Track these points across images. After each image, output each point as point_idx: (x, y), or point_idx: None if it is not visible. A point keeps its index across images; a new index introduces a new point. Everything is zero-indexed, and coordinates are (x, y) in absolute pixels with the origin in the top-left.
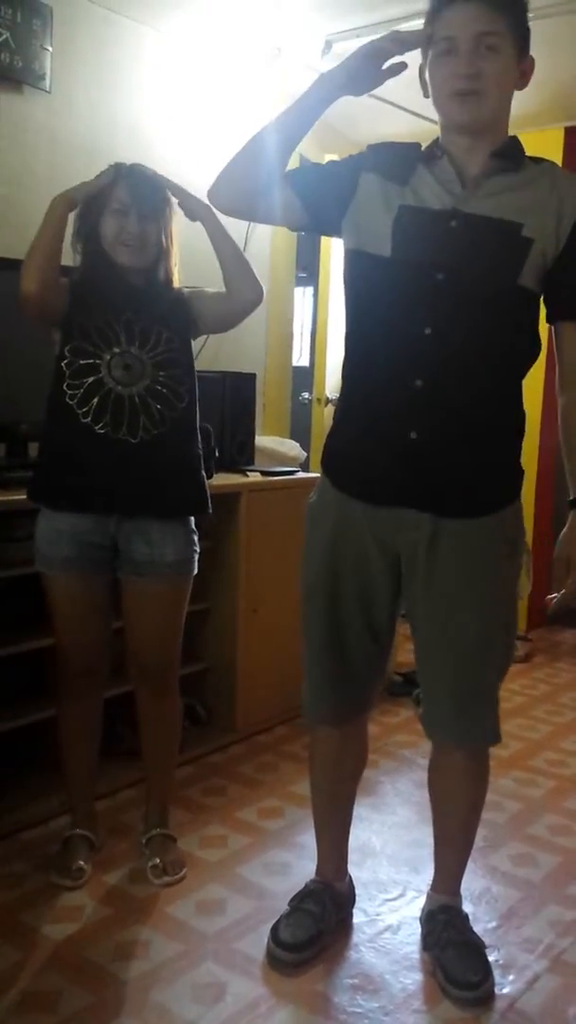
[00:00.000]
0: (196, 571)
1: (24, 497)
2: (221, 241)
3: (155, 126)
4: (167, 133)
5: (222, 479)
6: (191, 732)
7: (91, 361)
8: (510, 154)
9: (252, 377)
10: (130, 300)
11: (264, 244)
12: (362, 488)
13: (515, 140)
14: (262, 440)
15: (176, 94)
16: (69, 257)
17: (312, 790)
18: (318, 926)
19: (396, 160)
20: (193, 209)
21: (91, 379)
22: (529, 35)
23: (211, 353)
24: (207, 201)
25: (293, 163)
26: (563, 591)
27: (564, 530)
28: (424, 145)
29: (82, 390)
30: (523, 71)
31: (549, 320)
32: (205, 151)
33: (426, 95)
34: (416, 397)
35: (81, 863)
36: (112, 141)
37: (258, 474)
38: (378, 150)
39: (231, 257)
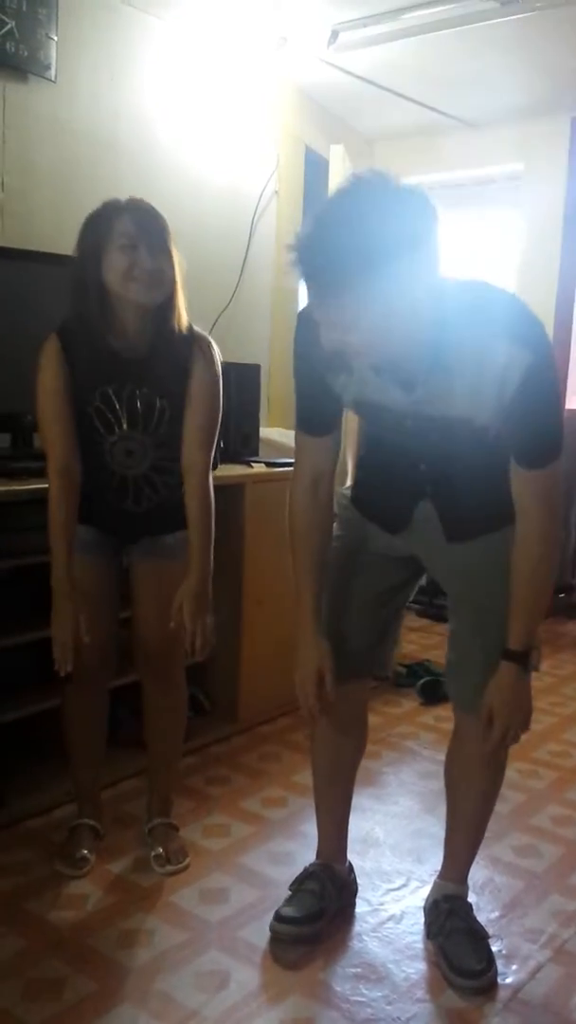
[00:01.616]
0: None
1: (29, 487)
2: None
3: (160, 115)
4: (172, 122)
5: (226, 471)
6: (194, 722)
7: (94, 447)
8: (442, 359)
9: (257, 368)
10: (131, 371)
11: (269, 235)
12: (386, 527)
13: (447, 331)
14: (267, 432)
15: (181, 84)
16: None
17: (313, 768)
18: (320, 903)
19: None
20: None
21: (94, 461)
22: (401, 278)
23: (216, 344)
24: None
25: (296, 154)
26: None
27: (493, 680)
28: None
29: (85, 467)
30: (411, 302)
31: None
32: (210, 141)
33: None
34: (424, 472)
35: (85, 852)
36: (117, 130)
37: (263, 465)
38: (315, 353)
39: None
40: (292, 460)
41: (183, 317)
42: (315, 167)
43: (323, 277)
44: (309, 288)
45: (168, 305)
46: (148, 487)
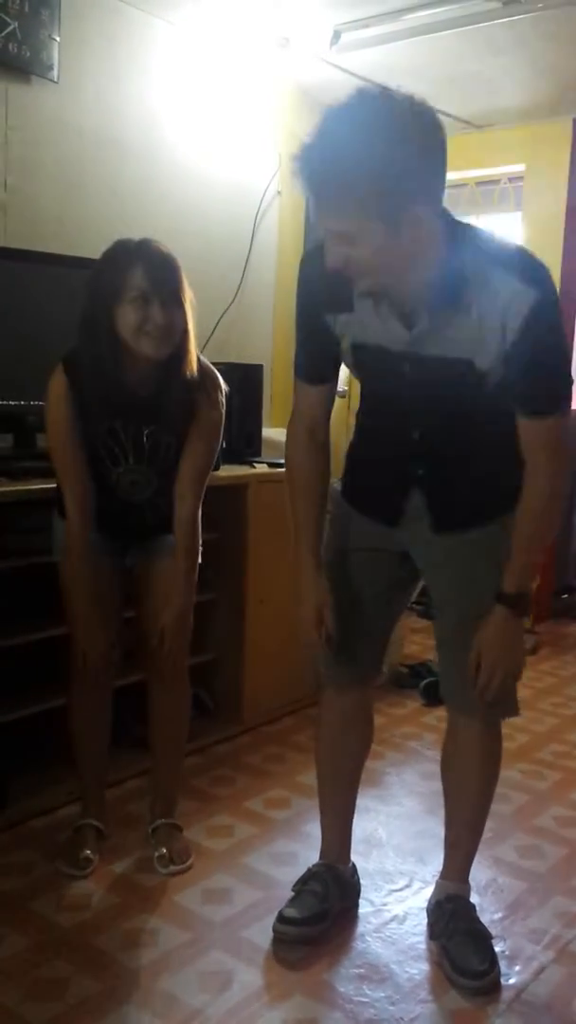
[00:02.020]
0: (200, 559)
1: (32, 487)
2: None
3: (163, 116)
4: (175, 123)
5: (229, 471)
6: (198, 722)
7: (100, 478)
8: (447, 292)
9: (259, 368)
10: (139, 411)
11: (271, 234)
12: (377, 516)
13: (451, 264)
14: (269, 431)
15: (184, 84)
16: (76, 249)
17: (317, 768)
18: (323, 905)
19: (333, 287)
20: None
21: (101, 486)
22: (400, 197)
23: (219, 344)
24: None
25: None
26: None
27: (483, 623)
28: None
29: (92, 493)
30: (411, 226)
31: (519, 414)
32: (213, 141)
33: None
34: (416, 444)
35: (89, 852)
36: (120, 131)
37: (265, 465)
38: (315, 289)
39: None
40: None
41: (193, 363)
42: None
43: (327, 187)
44: (313, 199)
45: (178, 354)
46: (151, 510)
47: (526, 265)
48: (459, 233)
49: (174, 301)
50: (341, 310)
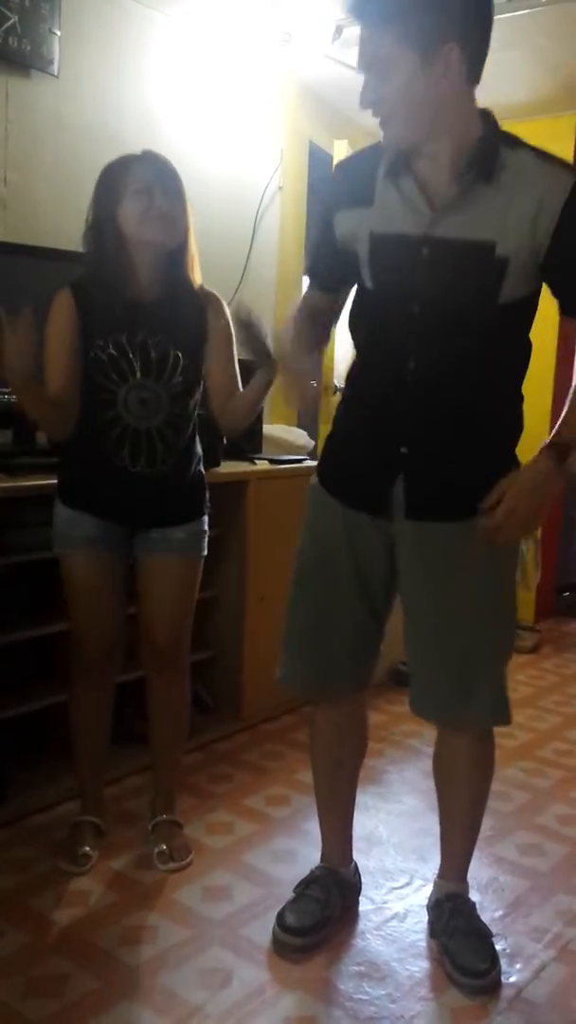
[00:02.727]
0: (205, 552)
1: (31, 483)
2: (256, 396)
3: (163, 111)
4: (175, 118)
5: (229, 467)
6: (197, 719)
7: (107, 396)
8: (480, 163)
9: None
10: (144, 318)
11: (273, 230)
12: (354, 501)
13: (486, 140)
14: (270, 428)
15: (184, 79)
16: (75, 244)
17: (313, 774)
18: (323, 912)
19: (357, 181)
20: (259, 354)
21: (108, 414)
22: (436, 28)
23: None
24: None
25: (299, 150)
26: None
27: (520, 470)
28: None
29: (99, 422)
30: (443, 64)
31: (564, 313)
32: (213, 136)
33: None
34: (405, 417)
35: (87, 849)
36: (120, 126)
37: (266, 462)
38: (340, 174)
39: (251, 407)
40: (296, 457)
41: (196, 269)
42: (319, 162)
43: (371, 8)
44: (356, 15)
45: (181, 252)
46: (162, 444)
47: (564, 161)
48: (496, 123)
49: (176, 192)
50: (364, 203)
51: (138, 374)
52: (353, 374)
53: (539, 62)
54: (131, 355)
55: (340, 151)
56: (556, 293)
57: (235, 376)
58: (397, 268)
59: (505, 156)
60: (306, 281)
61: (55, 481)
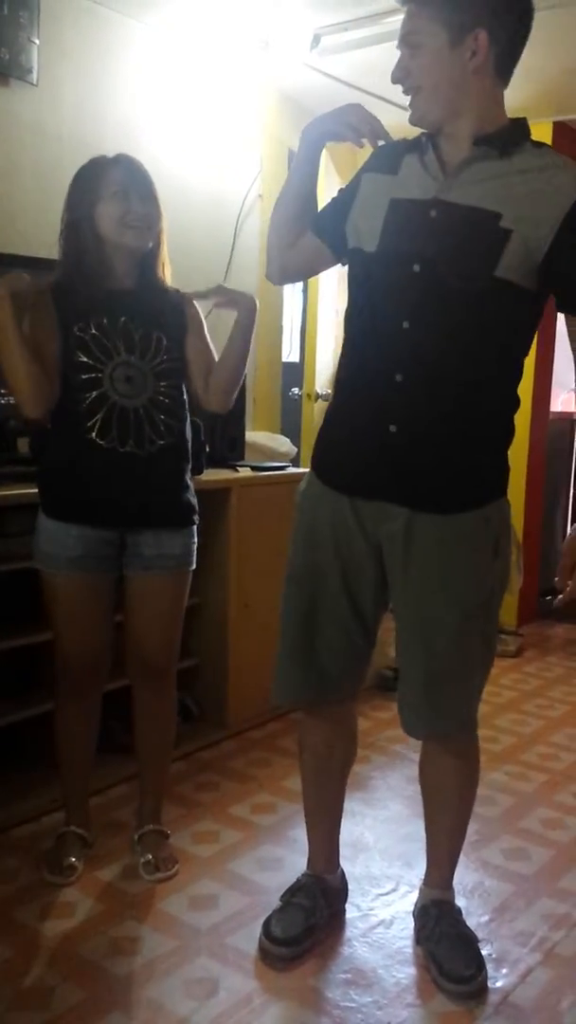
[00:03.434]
0: (194, 566)
1: (14, 493)
2: (241, 340)
3: (143, 119)
4: (155, 126)
5: (212, 475)
6: (183, 728)
7: (93, 375)
8: (498, 140)
9: None
10: (124, 303)
11: (253, 238)
12: (342, 480)
13: (513, 126)
14: (252, 435)
15: (164, 87)
16: (55, 252)
17: (302, 784)
18: (309, 920)
19: (390, 154)
20: (236, 300)
21: (94, 393)
22: (469, 12)
23: None
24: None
25: (279, 158)
26: (570, 584)
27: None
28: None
29: (86, 404)
30: (471, 49)
31: (561, 309)
32: (193, 144)
33: None
34: (396, 391)
35: (73, 860)
36: (100, 135)
37: (248, 469)
38: (380, 149)
39: (236, 357)
40: (279, 464)
41: (167, 268)
42: None
43: None
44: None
45: (155, 252)
46: (149, 425)
47: None
48: (527, 126)
49: (150, 196)
50: (388, 171)
51: (122, 352)
52: (346, 355)
53: (517, 69)
54: (113, 334)
55: (322, 161)
56: (557, 285)
57: (212, 352)
58: (405, 229)
59: (526, 147)
60: (299, 304)
61: (37, 490)
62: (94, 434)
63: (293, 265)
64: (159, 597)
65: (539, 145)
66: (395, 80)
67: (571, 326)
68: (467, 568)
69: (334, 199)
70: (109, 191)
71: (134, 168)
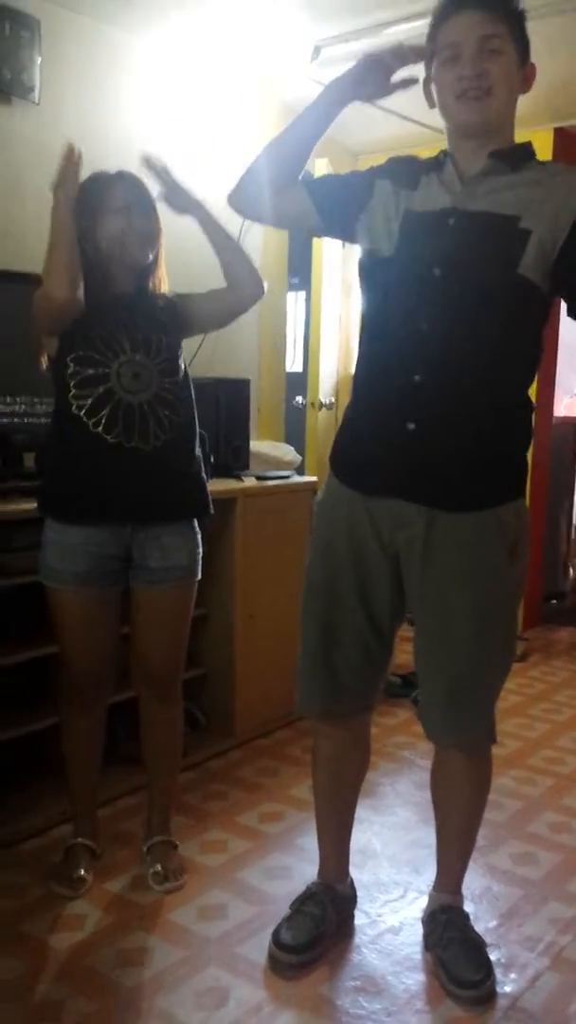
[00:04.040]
0: (199, 576)
1: (21, 507)
2: (217, 233)
3: (145, 135)
4: (157, 142)
5: (217, 484)
6: (190, 738)
7: (100, 371)
8: (510, 156)
9: (246, 383)
10: (127, 308)
11: (255, 250)
12: (359, 478)
13: (524, 145)
14: (257, 445)
15: (165, 103)
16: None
17: (314, 792)
18: (319, 928)
19: (408, 169)
20: (185, 204)
21: (101, 388)
22: (529, 44)
23: (205, 359)
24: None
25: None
26: None
27: None
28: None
29: (91, 400)
30: (525, 76)
31: (571, 314)
32: (195, 159)
33: (431, 106)
34: (415, 391)
35: (82, 872)
36: (102, 152)
37: (253, 479)
38: (395, 160)
39: (230, 249)
40: (283, 473)
41: (165, 283)
42: None
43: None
44: (470, 9)
45: (153, 265)
46: (153, 419)
47: None
48: (531, 145)
49: (150, 211)
50: (407, 187)
51: (128, 350)
52: (363, 356)
53: None
54: (118, 335)
55: (321, 170)
56: (567, 288)
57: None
58: (423, 237)
59: (533, 163)
60: (301, 314)
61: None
62: (101, 429)
63: (284, 213)
64: (165, 609)
65: (544, 162)
66: (470, 75)
67: None
68: (486, 570)
69: (344, 184)
70: (111, 207)
71: (136, 185)
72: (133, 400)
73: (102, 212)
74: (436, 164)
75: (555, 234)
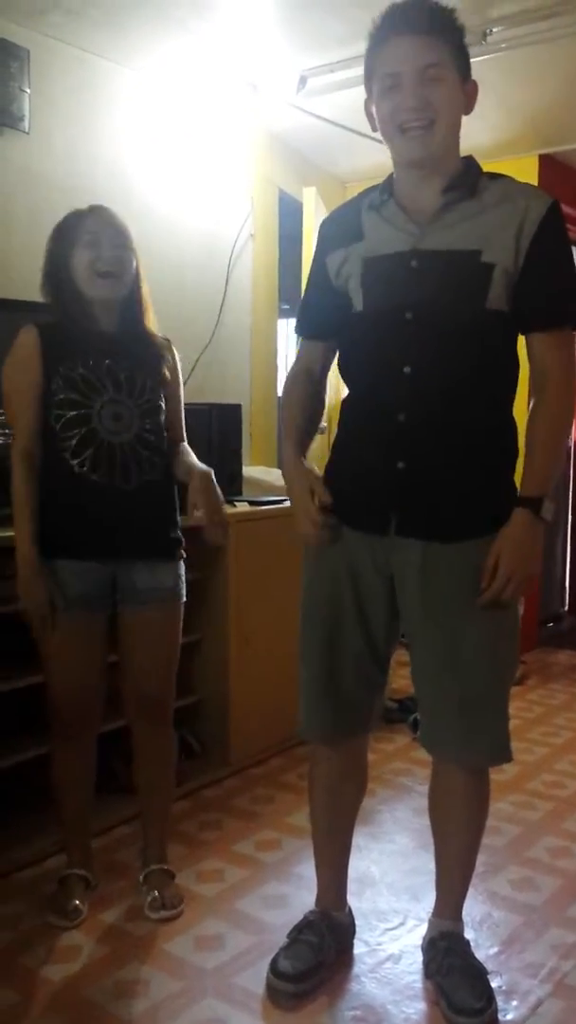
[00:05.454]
0: (185, 598)
1: (9, 535)
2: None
3: (134, 165)
4: (146, 172)
5: None
6: (185, 765)
7: (82, 412)
8: (462, 183)
9: (238, 408)
10: (107, 349)
11: (246, 277)
12: (352, 519)
13: (468, 163)
14: (249, 470)
15: (154, 133)
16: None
17: (311, 818)
18: (317, 957)
19: (344, 223)
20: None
21: (84, 429)
22: (469, 59)
23: (197, 385)
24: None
25: (270, 198)
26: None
27: (504, 528)
28: (375, 188)
29: (75, 441)
30: (468, 94)
31: (521, 333)
32: (184, 187)
33: (374, 129)
34: (400, 430)
35: (77, 903)
36: (91, 181)
37: (246, 504)
38: (326, 224)
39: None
40: (276, 498)
41: (151, 316)
42: (289, 209)
43: (418, 19)
44: (408, 32)
45: (133, 299)
46: (135, 461)
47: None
48: (476, 161)
49: (123, 243)
50: (354, 240)
51: (110, 391)
52: (347, 400)
53: (502, 104)
54: (101, 375)
55: (309, 198)
56: (522, 304)
57: (182, 423)
58: (388, 282)
59: (486, 182)
60: (292, 339)
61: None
62: (85, 468)
63: (325, 366)
64: (154, 630)
65: (495, 176)
66: (409, 109)
67: None
68: (471, 583)
69: (318, 293)
70: (82, 240)
71: (106, 217)
72: (115, 440)
73: (73, 245)
74: (367, 203)
75: (517, 260)
